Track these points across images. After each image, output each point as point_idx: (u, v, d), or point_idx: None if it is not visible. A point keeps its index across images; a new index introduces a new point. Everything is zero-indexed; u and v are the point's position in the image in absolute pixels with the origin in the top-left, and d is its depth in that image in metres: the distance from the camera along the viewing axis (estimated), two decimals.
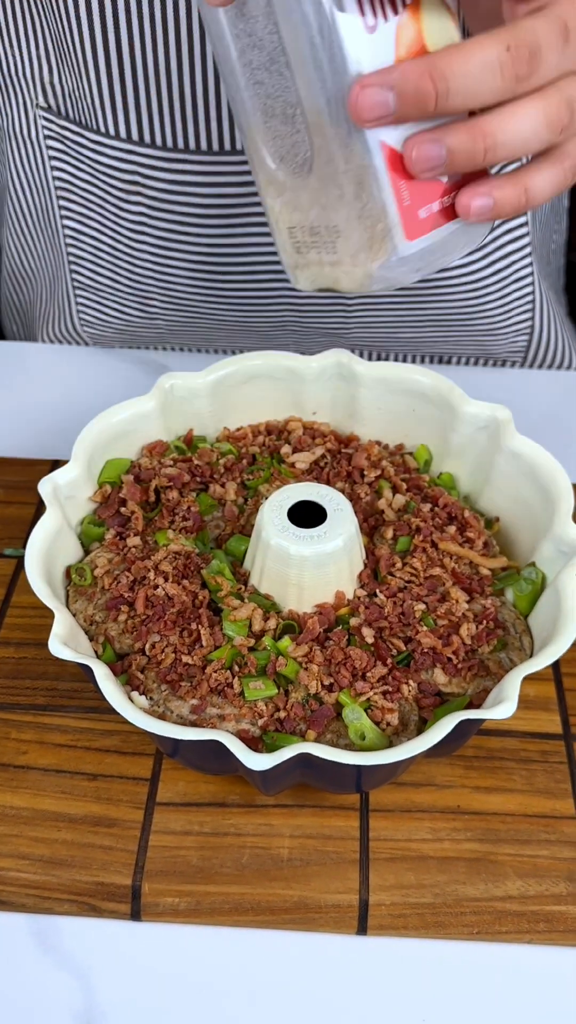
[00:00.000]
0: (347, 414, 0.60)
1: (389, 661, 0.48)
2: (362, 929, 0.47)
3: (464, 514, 0.54)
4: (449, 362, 0.76)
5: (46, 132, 0.63)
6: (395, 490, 0.56)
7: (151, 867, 0.48)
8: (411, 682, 0.47)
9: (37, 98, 0.61)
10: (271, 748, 0.45)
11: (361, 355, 0.76)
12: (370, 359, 0.76)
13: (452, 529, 0.53)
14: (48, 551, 0.49)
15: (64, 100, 0.60)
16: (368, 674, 0.47)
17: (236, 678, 0.47)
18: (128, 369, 0.75)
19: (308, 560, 0.49)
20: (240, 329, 0.70)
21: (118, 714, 0.52)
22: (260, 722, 0.46)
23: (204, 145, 0.58)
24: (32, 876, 0.47)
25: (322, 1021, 0.44)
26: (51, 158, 0.64)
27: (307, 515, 0.51)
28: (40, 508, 0.62)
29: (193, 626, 0.49)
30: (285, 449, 0.57)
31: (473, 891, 0.47)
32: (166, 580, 0.50)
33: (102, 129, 0.59)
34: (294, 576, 0.49)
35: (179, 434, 0.59)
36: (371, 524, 0.55)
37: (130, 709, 0.43)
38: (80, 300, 0.71)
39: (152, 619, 0.49)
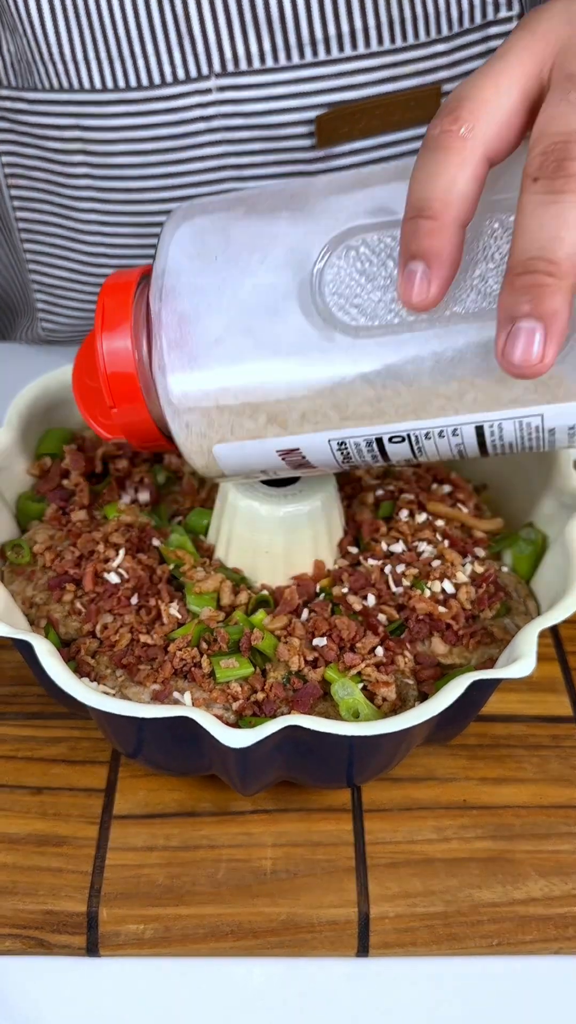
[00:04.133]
0: None
1: (381, 631, 0.41)
2: (363, 949, 0.40)
3: (451, 476, 0.49)
4: None
5: None
6: None
7: (109, 889, 0.40)
8: (407, 653, 0.41)
9: None
10: None
11: None
12: None
13: (440, 490, 0.47)
14: None
15: (6, 70, 0.56)
16: (357, 645, 0.41)
17: (204, 656, 0.40)
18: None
19: (283, 522, 0.43)
20: None
21: (64, 718, 0.46)
22: (235, 706, 0.40)
23: (133, 81, 0.54)
24: None
25: None
26: None
27: (278, 478, 0.45)
28: None
29: (152, 602, 0.42)
30: None
31: (490, 895, 0.40)
32: (118, 553, 0.43)
33: (38, 84, 0.54)
34: (266, 542, 0.43)
35: None
36: (348, 493, 0.49)
37: (78, 687, 0.36)
38: (41, 303, 0.66)
39: (103, 597, 0.42)
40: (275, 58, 0.53)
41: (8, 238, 0.66)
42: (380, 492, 0.47)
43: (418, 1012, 0.39)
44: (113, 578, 0.42)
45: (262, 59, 0.53)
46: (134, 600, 0.42)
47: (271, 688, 0.40)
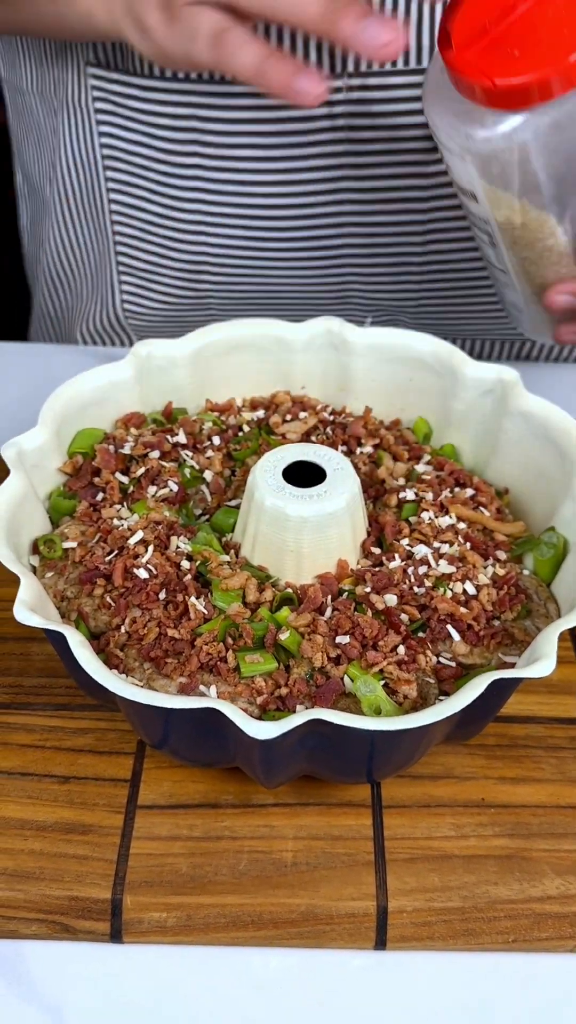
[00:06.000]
0: (339, 387, 0.55)
1: (403, 630, 0.42)
2: (381, 942, 0.41)
3: (473, 480, 0.49)
4: (525, 356, 0.71)
5: (96, 94, 0.59)
6: (395, 459, 0.51)
7: (133, 877, 0.41)
8: (428, 652, 0.42)
9: (88, 55, 0.57)
10: None
11: None
12: None
13: (462, 493, 0.48)
14: (13, 518, 0.44)
15: (114, 50, 0.56)
16: (380, 643, 0.41)
17: (230, 652, 0.41)
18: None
19: (308, 522, 0.44)
20: (298, 303, 0.65)
21: (91, 710, 0.47)
22: (259, 700, 0.40)
23: None
24: None
25: None
26: (99, 123, 0.60)
27: (303, 479, 0.46)
28: None
29: (179, 598, 0.43)
30: (274, 419, 0.52)
31: (507, 892, 0.41)
32: (147, 549, 0.44)
33: (155, 72, 0.55)
34: (292, 542, 0.44)
35: (156, 408, 0.54)
36: (371, 495, 0.50)
37: (110, 677, 0.37)
38: (126, 286, 0.66)
39: (132, 591, 0.43)
40: (406, 61, 0.53)
41: (96, 219, 0.65)
42: (403, 494, 0.48)
43: (434, 1006, 0.39)
44: (142, 573, 0.43)
45: (393, 61, 0.53)
46: (162, 595, 0.43)
47: (294, 684, 0.41)
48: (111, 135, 0.60)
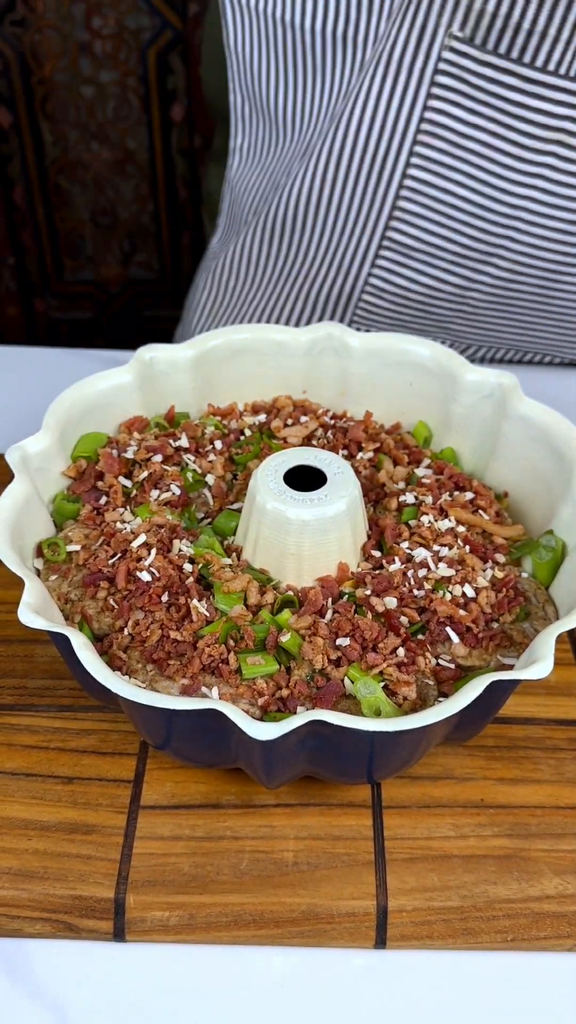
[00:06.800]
0: (338, 391, 0.56)
1: (402, 632, 0.43)
2: (381, 941, 0.41)
3: (472, 484, 0.50)
4: None
5: (444, 67, 0.55)
6: (396, 463, 0.52)
7: (136, 877, 0.41)
8: (428, 654, 0.42)
9: (452, 25, 0.53)
10: None
11: None
12: None
13: (462, 497, 0.49)
14: (17, 521, 0.44)
15: (491, 29, 0.53)
16: (380, 645, 0.42)
17: (232, 653, 0.42)
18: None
19: (308, 525, 0.44)
20: (540, 323, 0.62)
21: (95, 711, 0.47)
22: (260, 701, 0.41)
23: None
24: None
25: None
26: (433, 96, 0.56)
27: (304, 482, 0.46)
28: None
29: (181, 600, 0.43)
30: (276, 423, 0.53)
31: (505, 891, 0.41)
32: (150, 552, 0.45)
33: (538, 63, 0.51)
34: (292, 545, 0.44)
35: (159, 412, 0.54)
36: (371, 499, 0.50)
37: (113, 679, 0.37)
38: (383, 260, 0.62)
39: (135, 594, 0.44)
40: None
41: (369, 183, 0.61)
42: (403, 498, 0.49)
43: (433, 1004, 0.40)
44: (145, 576, 0.44)
45: None
46: (164, 598, 0.44)
47: (295, 685, 0.41)
48: (444, 112, 0.56)
